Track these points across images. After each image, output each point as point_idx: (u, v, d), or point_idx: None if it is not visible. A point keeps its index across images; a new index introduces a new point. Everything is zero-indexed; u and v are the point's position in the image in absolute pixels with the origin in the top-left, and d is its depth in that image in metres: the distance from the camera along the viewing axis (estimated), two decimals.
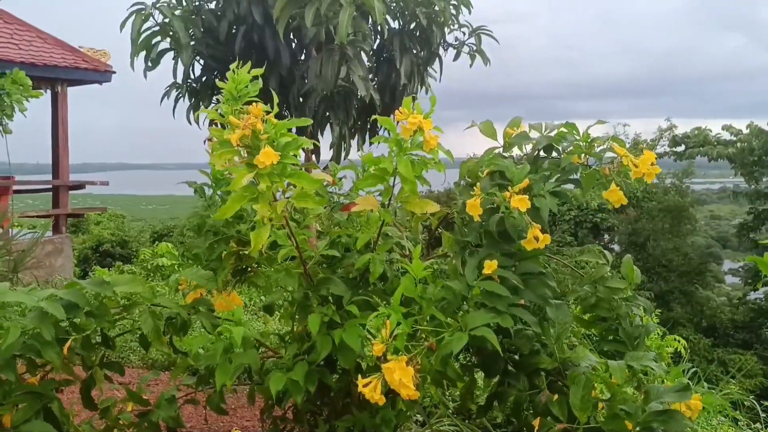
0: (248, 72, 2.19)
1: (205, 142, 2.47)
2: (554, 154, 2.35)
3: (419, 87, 6.30)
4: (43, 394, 2.34)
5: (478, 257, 2.17)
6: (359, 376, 2.08)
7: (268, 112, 2.10)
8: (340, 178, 2.93)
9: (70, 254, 10.17)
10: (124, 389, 2.70)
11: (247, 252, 2.52)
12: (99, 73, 10.20)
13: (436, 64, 6.38)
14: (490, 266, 2.09)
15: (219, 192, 2.70)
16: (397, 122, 2.21)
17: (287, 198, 2.21)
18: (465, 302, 2.21)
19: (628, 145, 2.27)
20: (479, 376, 2.79)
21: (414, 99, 2.22)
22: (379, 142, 2.38)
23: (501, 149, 2.39)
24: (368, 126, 6.39)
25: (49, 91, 10.03)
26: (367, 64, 5.94)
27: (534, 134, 2.35)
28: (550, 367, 2.29)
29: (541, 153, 2.35)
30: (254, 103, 2.10)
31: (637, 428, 1.96)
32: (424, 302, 2.13)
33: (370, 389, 2.00)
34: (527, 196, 2.09)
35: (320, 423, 2.69)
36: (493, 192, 2.16)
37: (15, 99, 6.50)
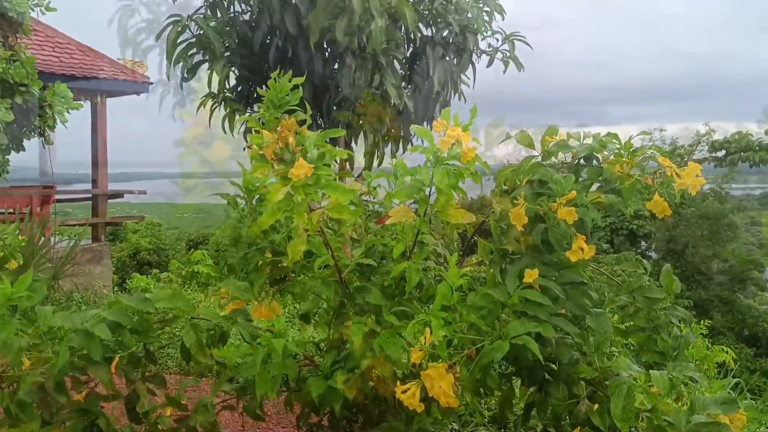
0: (289, 81, 2.22)
1: (244, 149, 2.50)
2: (594, 162, 2.32)
3: (452, 94, 6.29)
4: (89, 410, 2.39)
5: (519, 266, 2.15)
6: (396, 384, 2.08)
7: (302, 122, 2.13)
8: (375, 187, 2.94)
9: (109, 262, 10.38)
10: (163, 395, 2.74)
11: (283, 262, 2.54)
12: (137, 84, 10.45)
13: (469, 70, 6.36)
14: (531, 275, 2.07)
15: (252, 202, 2.71)
16: (435, 132, 2.21)
17: (322, 207, 2.22)
18: (503, 311, 2.19)
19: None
20: (516, 384, 2.77)
21: (447, 106, 2.22)
22: (415, 152, 2.39)
23: (539, 157, 2.36)
24: (401, 134, 6.41)
25: (88, 102, 10.29)
26: (400, 71, 5.95)
27: (572, 143, 2.33)
28: (590, 377, 2.26)
29: (581, 161, 2.32)
30: (290, 115, 2.13)
31: None
32: (464, 309, 2.11)
33: (408, 396, 2.01)
34: (574, 208, 2.07)
35: (356, 430, 2.69)
36: (540, 202, 2.14)
37: (57, 111, 6.70)
